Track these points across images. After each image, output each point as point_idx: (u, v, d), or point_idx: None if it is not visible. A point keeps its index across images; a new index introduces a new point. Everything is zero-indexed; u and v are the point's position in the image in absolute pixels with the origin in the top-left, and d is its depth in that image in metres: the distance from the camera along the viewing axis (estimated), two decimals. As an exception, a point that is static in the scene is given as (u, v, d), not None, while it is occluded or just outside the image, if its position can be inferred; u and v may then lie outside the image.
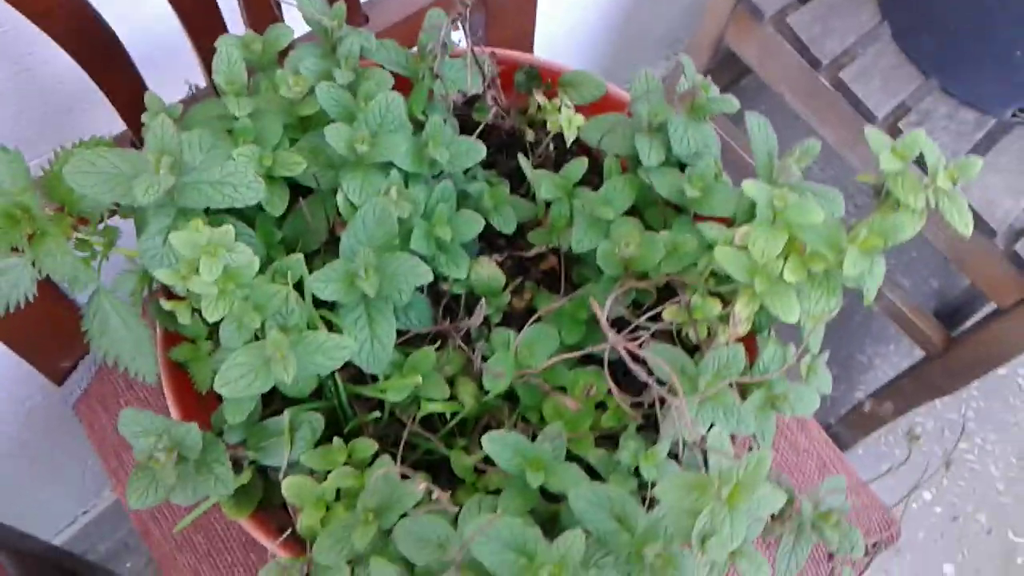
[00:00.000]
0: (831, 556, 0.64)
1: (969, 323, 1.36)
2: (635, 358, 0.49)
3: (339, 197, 0.53)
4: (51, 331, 0.84)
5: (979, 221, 1.06)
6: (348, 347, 0.49)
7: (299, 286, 0.52)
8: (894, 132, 1.09)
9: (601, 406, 0.56)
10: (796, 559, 0.50)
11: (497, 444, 0.50)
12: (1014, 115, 1.09)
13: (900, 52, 1.13)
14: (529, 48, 0.92)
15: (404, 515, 0.49)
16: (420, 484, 0.45)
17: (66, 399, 0.91)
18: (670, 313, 0.53)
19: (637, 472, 0.52)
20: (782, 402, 0.52)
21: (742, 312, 0.49)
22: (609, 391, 0.54)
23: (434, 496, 0.45)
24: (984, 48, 1.05)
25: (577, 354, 0.52)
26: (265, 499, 0.57)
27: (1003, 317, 1.12)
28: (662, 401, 0.54)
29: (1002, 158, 1.08)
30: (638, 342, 0.50)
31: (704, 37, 1.26)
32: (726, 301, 0.54)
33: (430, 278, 0.51)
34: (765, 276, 0.47)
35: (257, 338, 0.50)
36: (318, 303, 0.52)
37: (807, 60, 1.12)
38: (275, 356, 0.48)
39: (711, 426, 0.49)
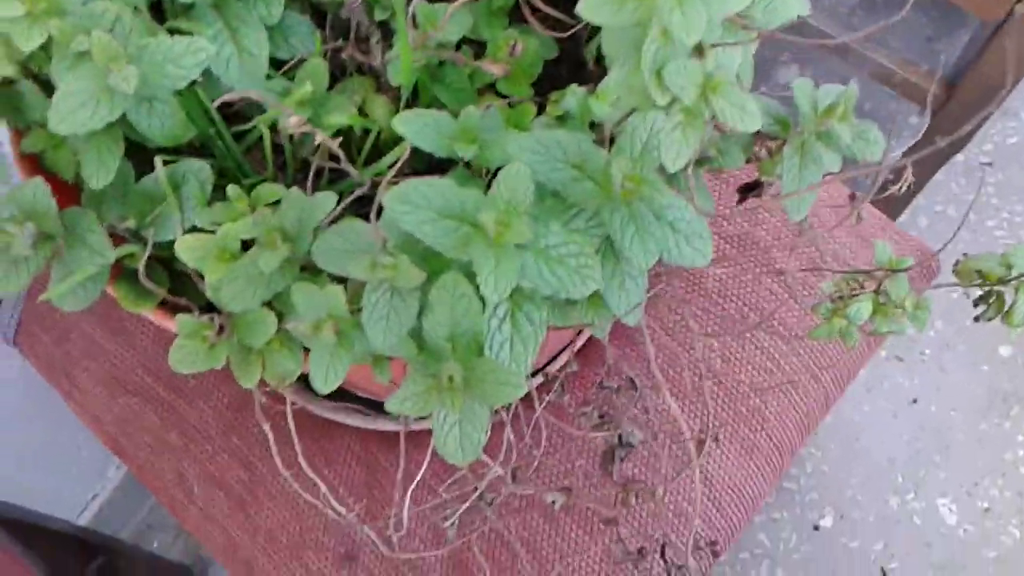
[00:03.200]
0: (852, 196, 0.55)
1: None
2: None
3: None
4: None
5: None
6: (204, 50, 0.40)
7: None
8: None
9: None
10: (808, 182, 0.41)
11: (413, 124, 0.40)
12: None
13: None
14: None
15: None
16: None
17: (5, 336, 0.82)
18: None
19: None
20: None
21: None
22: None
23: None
24: None
25: None
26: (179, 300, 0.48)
27: (997, 35, 1.02)
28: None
29: None
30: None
31: None
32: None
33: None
34: None
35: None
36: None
37: None
38: (111, 71, 0.39)
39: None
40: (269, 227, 0.39)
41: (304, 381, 0.73)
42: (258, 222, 0.39)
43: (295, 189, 0.43)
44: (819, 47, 1.39)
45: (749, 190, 0.52)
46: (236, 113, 0.48)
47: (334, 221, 0.40)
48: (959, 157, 1.52)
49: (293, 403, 0.70)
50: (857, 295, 0.50)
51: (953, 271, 0.50)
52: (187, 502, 0.74)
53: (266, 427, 0.46)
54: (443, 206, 0.36)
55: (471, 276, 0.37)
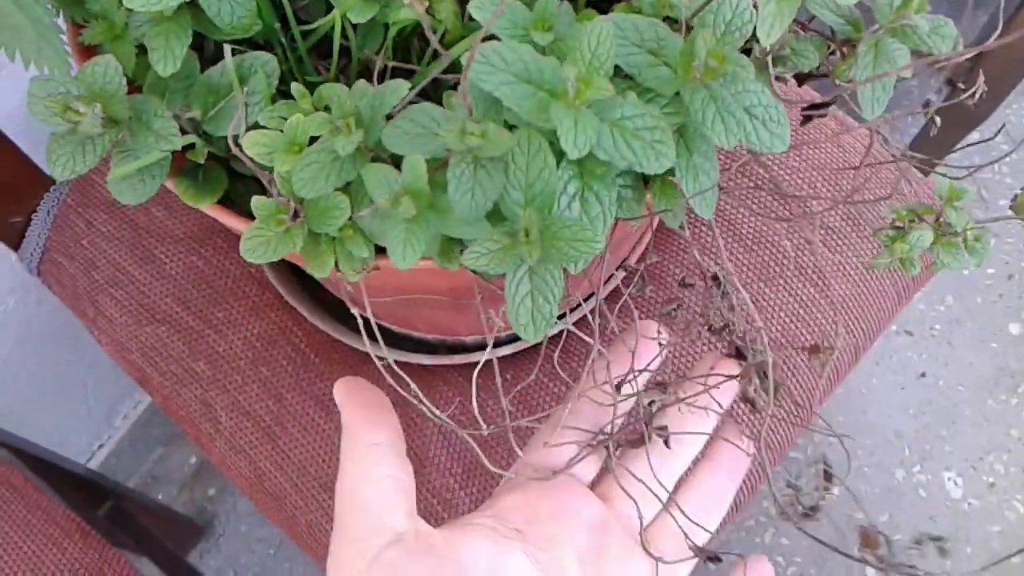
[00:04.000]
0: (927, 104, 0.54)
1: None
2: None
3: None
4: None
5: None
6: (280, -68, 0.39)
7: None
8: None
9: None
10: (882, 82, 0.41)
11: (488, 8, 0.40)
12: None
13: None
14: None
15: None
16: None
17: (29, 266, 0.81)
18: None
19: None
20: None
21: None
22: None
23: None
24: None
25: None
26: (236, 202, 0.47)
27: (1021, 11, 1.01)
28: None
29: None
30: None
31: None
32: None
33: None
34: None
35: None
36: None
37: None
38: (189, -53, 0.38)
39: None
40: (346, 111, 0.38)
41: (338, 311, 0.73)
42: (335, 106, 0.38)
43: (362, 81, 0.42)
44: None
45: (815, 109, 0.52)
46: (295, 14, 0.47)
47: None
48: (974, 135, 1.52)
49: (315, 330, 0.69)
50: (916, 224, 0.50)
51: (1010, 207, 0.50)
52: (213, 432, 0.73)
53: (355, 310, 0.45)
54: (522, 70, 0.35)
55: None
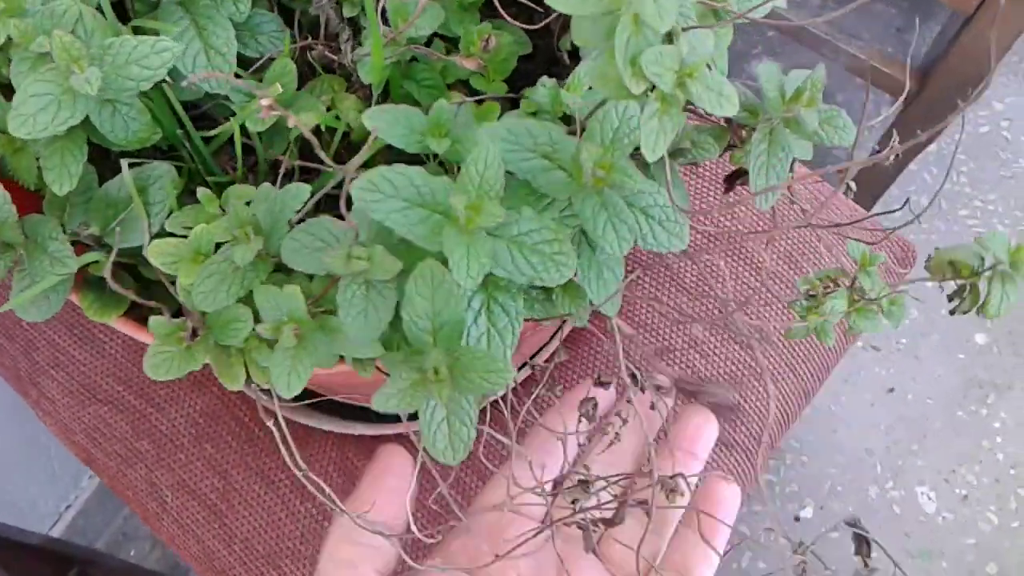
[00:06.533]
0: (841, 171, 0.54)
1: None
2: None
3: None
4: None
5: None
6: (170, 49, 0.39)
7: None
8: None
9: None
10: (776, 171, 0.41)
11: (382, 118, 0.39)
12: None
13: None
14: None
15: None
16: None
17: (-31, 346, 0.80)
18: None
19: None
20: None
21: None
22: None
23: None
24: None
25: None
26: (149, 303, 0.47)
27: (970, 26, 1.02)
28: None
29: None
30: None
31: None
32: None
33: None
34: None
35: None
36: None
37: None
38: (73, 72, 0.37)
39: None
40: (243, 220, 0.38)
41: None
42: (232, 215, 0.38)
43: (266, 184, 0.42)
44: (792, 40, 1.39)
45: (735, 178, 0.52)
46: (203, 115, 0.47)
47: (303, 221, 0.39)
48: (931, 147, 1.53)
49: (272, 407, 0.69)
50: (831, 292, 0.49)
51: (925, 266, 0.49)
52: (161, 512, 0.72)
53: (271, 423, 0.45)
54: (412, 194, 0.35)
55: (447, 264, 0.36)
